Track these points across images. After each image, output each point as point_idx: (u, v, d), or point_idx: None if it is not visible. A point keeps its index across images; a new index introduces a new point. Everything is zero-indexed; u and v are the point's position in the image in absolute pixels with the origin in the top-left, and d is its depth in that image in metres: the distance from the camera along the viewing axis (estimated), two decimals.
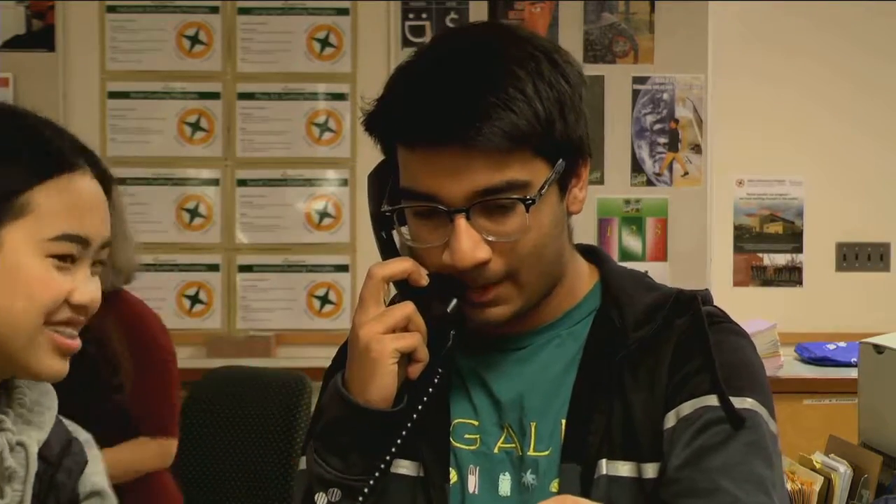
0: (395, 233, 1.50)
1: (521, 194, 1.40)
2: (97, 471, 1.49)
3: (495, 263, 1.42)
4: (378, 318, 1.43)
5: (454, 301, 1.45)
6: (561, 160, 1.43)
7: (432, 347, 1.46)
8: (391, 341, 1.43)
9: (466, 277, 1.43)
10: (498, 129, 1.36)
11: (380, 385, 1.43)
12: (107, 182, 1.42)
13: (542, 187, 1.41)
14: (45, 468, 1.41)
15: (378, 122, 1.45)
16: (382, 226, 1.50)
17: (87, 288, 1.37)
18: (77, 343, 1.38)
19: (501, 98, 1.37)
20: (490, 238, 1.41)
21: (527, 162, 1.40)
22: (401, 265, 1.46)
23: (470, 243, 1.40)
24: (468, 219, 1.40)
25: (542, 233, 1.43)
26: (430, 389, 1.48)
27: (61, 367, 1.38)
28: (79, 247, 1.36)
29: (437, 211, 1.41)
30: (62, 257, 1.35)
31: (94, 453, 1.50)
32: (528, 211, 1.40)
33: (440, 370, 1.49)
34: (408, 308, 1.44)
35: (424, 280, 1.45)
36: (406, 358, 1.45)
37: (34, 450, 1.39)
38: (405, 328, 1.44)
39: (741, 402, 1.41)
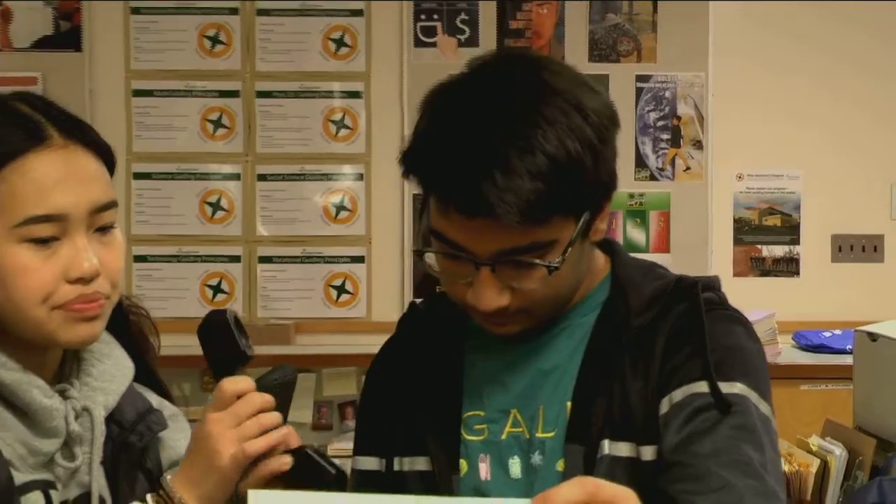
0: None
1: (546, 252, 1.42)
2: (179, 442, 1.48)
3: (513, 303, 1.46)
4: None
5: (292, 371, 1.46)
6: (586, 213, 1.44)
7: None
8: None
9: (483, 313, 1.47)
10: (525, 205, 1.37)
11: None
12: (95, 147, 1.35)
13: (565, 250, 1.43)
14: (119, 432, 1.43)
15: (414, 170, 1.46)
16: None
17: (80, 260, 1.28)
18: (97, 305, 1.31)
19: (532, 173, 1.37)
20: (513, 284, 1.44)
21: (552, 224, 1.41)
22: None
23: (493, 292, 1.44)
24: (493, 270, 1.43)
25: (562, 280, 1.46)
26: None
27: (88, 331, 1.33)
28: (55, 225, 1.27)
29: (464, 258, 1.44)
30: (42, 240, 1.27)
31: (179, 426, 1.51)
32: (550, 274, 1.43)
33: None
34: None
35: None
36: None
37: (98, 413, 1.39)
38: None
39: (730, 388, 1.43)
